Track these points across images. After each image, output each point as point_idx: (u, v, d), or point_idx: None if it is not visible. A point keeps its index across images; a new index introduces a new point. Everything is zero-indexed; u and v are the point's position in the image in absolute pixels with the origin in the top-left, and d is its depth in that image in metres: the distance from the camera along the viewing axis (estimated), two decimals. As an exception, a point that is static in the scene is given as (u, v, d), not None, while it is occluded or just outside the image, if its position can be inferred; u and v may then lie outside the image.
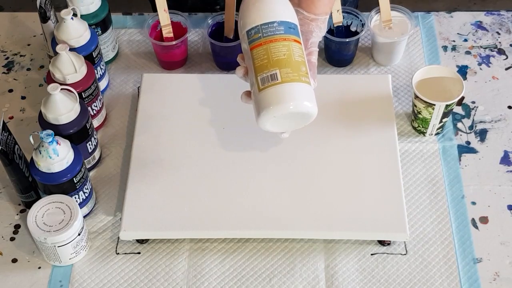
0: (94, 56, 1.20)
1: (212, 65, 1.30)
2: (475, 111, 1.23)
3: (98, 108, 1.20)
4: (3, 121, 1.04)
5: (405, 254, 1.07)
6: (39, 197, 1.10)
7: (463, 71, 1.28)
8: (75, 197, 1.07)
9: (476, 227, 1.10)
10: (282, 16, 1.02)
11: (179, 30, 1.27)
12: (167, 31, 1.26)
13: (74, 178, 1.05)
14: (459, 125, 1.21)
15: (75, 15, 1.18)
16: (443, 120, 1.17)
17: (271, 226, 1.06)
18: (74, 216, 1.02)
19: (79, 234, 1.04)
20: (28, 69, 1.31)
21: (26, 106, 1.26)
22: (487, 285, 1.04)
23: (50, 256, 1.05)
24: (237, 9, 1.25)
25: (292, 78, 0.99)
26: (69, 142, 1.05)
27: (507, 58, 1.30)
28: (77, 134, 1.10)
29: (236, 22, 1.25)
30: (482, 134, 1.20)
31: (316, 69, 1.05)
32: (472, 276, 1.05)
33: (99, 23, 1.25)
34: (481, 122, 1.22)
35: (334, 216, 1.06)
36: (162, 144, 1.14)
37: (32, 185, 1.10)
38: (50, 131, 1.02)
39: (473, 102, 1.24)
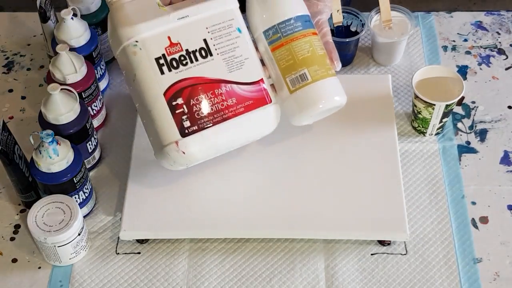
0: (94, 56, 1.20)
1: (212, 65, 1.30)
2: (475, 111, 1.23)
3: (98, 108, 1.20)
4: (3, 121, 1.04)
5: (405, 254, 1.07)
6: (39, 197, 1.10)
7: (463, 71, 1.28)
8: (75, 197, 1.07)
9: (476, 227, 1.10)
10: (297, 11, 1.02)
11: (179, 30, 1.27)
12: (167, 31, 1.26)
13: (74, 178, 1.05)
14: (459, 125, 1.21)
15: (75, 15, 1.18)
16: (443, 120, 1.17)
17: (271, 226, 1.06)
18: (74, 216, 1.02)
19: (79, 234, 1.04)
20: (28, 69, 1.31)
21: (26, 106, 1.26)
22: (487, 285, 1.04)
23: (50, 256, 1.05)
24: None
25: (321, 75, 1.01)
26: (69, 142, 1.05)
27: (507, 58, 1.30)
28: (77, 134, 1.10)
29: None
30: (482, 134, 1.20)
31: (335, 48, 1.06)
32: (472, 276, 1.05)
33: (99, 23, 1.25)
34: (481, 122, 1.22)
35: (334, 216, 1.06)
36: (162, 144, 1.14)
37: (32, 185, 1.10)
38: (50, 131, 1.02)
39: (473, 102, 1.24)
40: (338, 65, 1.05)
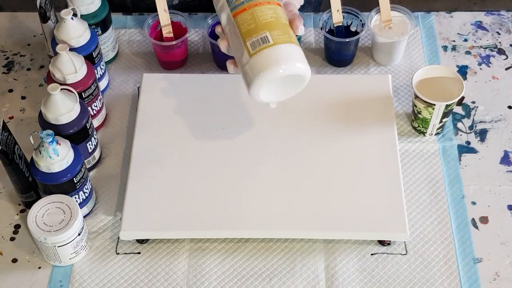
0: (94, 56, 1.20)
1: (212, 65, 1.30)
2: (475, 111, 1.23)
3: (98, 108, 1.20)
4: (3, 121, 1.04)
5: (405, 254, 1.07)
6: (39, 197, 1.10)
7: (463, 71, 1.28)
8: (75, 197, 1.07)
9: (476, 227, 1.10)
10: None
11: (179, 30, 1.27)
12: (167, 31, 1.26)
13: (74, 178, 1.05)
14: (459, 125, 1.21)
15: (75, 15, 1.18)
16: (443, 120, 1.17)
17: (271, 226, 1.06)
18: (74, 216, 1.02)
19: (79, 234, 1.04)
20: (28, 69, 1.31)
21: (26, 106, 1.26)
22: (487, 285, 1.04)
23: (50, 256, 1.05)
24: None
25: (284, 39, 0.95)
26: (69, 142, 1.05)
27: (507, 58, 1.30)
28: (77, 134, 1.10)
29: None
30: (482, 134, 1.20)
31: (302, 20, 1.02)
32: (472, 276, 1.05)
33: (99, 23, 1.25)
34: (481, 122, 1.22)
35: (334, 216, 1.06)
36: (162, 144, 1.14)
37: (32, 185, 1.10)
38: (50, 131, 1.02)
39: (473, 102, 1.24)
40: (301, 28, 0.99)
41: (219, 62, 1.29)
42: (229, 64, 1.00)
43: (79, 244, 1.05)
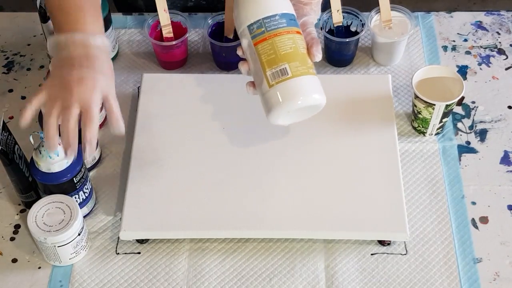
0: (94, 56, 1.20)
1: (212, 65, 1.30)
2: (475, 111, 1.23)
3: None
4: (3, 121, 1.04)
5: (405, 254, 1.07)
6: (39, 197, 1.10)
7: (463, 71, 1.28)
8: (75, 197, 1.07)
9: (476, 227, 1.10)
10: (283, 8, 1.02)
11: (179, 30, 1.27)
12: (167, 31, 1.26)
13: (74, 178, 1.05)
14: (459, 125, 1.21)
15: (75, 15, 1.18)
16: (443, 120, 1.17)
17: (271, 226, 1.06)
18: (74, 216, 1.02)
19: (79, 234, 1.04)
20: (28, 69, 1.31)
21: (26, 106, 1.26)
22: (487, 285, 1.04)
23: (50, 256, 1.05)
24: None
25: (302, 71, 1.00)
26: (69, 142, 1.05)
27: (507, 58, 1.30)
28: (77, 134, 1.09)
29: (236, 22, 1.25)
30: (482, 134, 1.20)
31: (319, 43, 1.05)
32: (472, 276, 1.05)
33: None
34: (481, 122, 1.22)
35: (334, 216, 1.06)
36: (162, 144, 1.14)
37: (32, 185, 1.10)
38: (50, 131, 1.02)
39: (473, 102, 1.24)
40: (318, 56, 1.03)
41: (219, 62, 1.29)
42: (248, 87, 1.04)
43: (79, 244, 1.05)
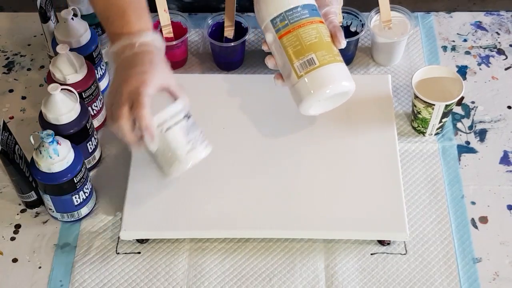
0: (94, 56, 1.20)
1: (212, 65, 1.30)
2: (475, 111, 1.23)
3: (99, 108, 1.20)
4: (4, 121, 1.04)
5: (405, 254, 1.07)
6: (39, 197, 1.10)
7: (462, 71, 1.29)
8: (75, 197, 1.07)
9: (476, 227, 1.10)
10: (304, 0, 1.03)
11: (179, 30, 1.27)
12: (167, 31, 1.26)
13: (74, 178, 1.05)
14: (459, 125, 1.21)
15: (75, 15, 1.18)
16: (443, 120, 1.17)
17: (271, 226, 1.06)
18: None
19: (187, 117, 0.98)
20: (29, 69, 1.31)
21: (26, 106, 1.26)
22: (487, 285, 1.04)
23: (166, 158, 0.98)
24: (237, 10, 1.25)
25: (329, 59, 1.02)
26: (69, 142, 1.05)
27: (506, 58, 1.30)
28: (77, 134, 1.10)
29: (236, 22, 1.25)
30: (481, 134, 1.20)
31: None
32: (472, 276, 1.05)
33: (99, 23, 1.25)
34: (480, 122, 1.22)
35: (334, 216, 1.06)
36: (162, 144, 1.14)
37: (32, 185, 1.10)
38: (50, 131, 1.02)
39: (473, 102, 1.24)
40: (343, 43, 1.05)
41: (219, 62, 1.29)
42: (276, 79, 1.06)
43: (192, 134, 0.98)
